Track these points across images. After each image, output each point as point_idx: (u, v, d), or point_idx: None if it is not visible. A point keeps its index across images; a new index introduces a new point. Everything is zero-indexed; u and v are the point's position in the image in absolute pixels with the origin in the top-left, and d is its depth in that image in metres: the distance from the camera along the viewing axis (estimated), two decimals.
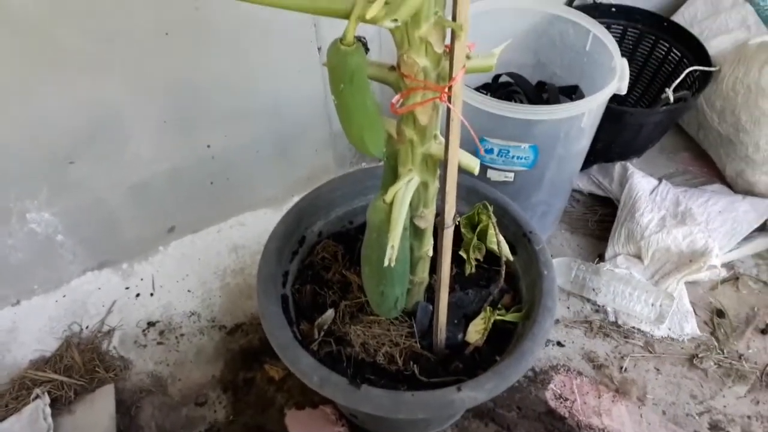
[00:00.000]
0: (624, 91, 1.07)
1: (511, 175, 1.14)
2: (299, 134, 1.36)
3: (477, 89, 1.22)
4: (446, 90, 0.59)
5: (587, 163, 1.40)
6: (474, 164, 0.69)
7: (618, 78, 1.06)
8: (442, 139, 0.68)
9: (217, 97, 1.18)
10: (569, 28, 1.21)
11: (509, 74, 1.32)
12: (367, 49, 0.58)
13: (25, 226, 1.15)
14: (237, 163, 1.32)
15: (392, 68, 0.63)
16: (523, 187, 1.17)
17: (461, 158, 0.67)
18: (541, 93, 1.30)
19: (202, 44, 1.07)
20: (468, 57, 0.59)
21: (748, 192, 1.40)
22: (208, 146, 1.25)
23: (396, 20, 0.49)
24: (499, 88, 1.34)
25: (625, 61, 1.09)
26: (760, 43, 1.28)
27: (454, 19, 0.53)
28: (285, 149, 1.37)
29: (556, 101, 1.25)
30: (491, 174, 1.14)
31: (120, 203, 1.23)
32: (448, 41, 0.59)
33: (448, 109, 0.61)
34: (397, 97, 0.62)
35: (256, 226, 1.41)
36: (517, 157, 1.10)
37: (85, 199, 1.18)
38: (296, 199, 1.50)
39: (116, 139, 1.12)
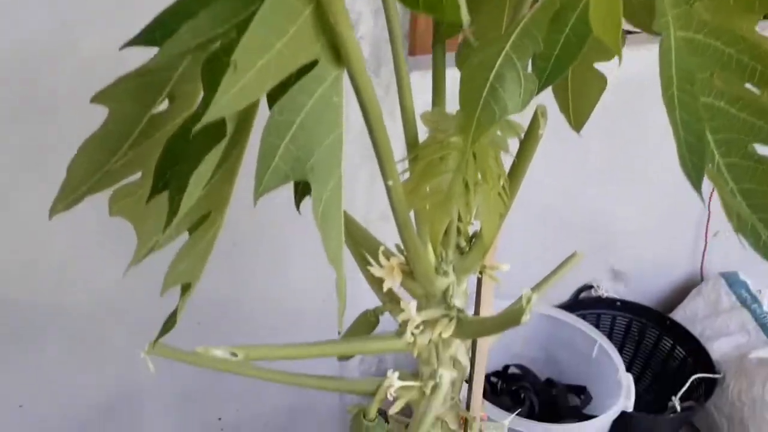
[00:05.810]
0: (630, 409, 1.10)
1: None
2: (309, 407, 1.38)
3: (486, 376, 1.25)
4: None
5: None
6: None
7: (624, 396, 1.10)
8: None
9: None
10: (576, 335, 1.28)
11: (518, 366, 1.37)
12: (387, 421, 0.63)
13: None
14: None
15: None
16: None
17: None
18: (550, 388, 1.33)
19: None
20: (480, 431, 0.64)
21: None
22: (219, 419, 1.27)
23: None
24: (509, 379, 1.37)
25: (630, 378, 1.14)
26: (761, 357, 1.34)
27: (468, 408, 0.59)
28: (293, 420, 1.38)
29: (565, 401, 1.28)
30: None
31: None
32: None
33: None
34: None
35: None
36: None
37: None
38: None
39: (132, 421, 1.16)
